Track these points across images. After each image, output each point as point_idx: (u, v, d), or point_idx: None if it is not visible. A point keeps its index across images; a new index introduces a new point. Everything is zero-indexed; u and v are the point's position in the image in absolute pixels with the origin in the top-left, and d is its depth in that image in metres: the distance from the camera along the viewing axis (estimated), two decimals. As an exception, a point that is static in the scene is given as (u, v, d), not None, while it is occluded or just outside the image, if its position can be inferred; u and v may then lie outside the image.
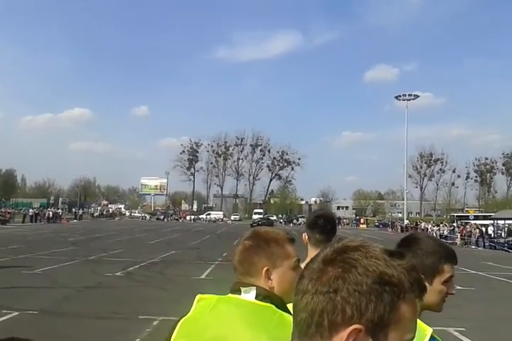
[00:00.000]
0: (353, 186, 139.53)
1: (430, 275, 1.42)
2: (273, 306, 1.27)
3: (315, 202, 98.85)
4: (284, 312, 1.27)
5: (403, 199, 69.61)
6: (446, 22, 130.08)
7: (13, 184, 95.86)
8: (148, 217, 71.62)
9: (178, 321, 1.32)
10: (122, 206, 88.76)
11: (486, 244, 30.17)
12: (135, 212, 77.66)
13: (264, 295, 1.29)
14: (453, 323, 6.88)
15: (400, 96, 62.48)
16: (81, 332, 6.24)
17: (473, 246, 30.35)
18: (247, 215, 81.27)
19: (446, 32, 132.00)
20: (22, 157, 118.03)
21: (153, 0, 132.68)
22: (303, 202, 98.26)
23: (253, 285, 1.31)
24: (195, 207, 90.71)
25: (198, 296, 1.34)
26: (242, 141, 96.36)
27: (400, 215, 73.18)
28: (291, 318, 1.25)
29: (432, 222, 50.65)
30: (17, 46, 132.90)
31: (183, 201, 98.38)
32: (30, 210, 49.33)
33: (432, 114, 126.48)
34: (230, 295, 1.34)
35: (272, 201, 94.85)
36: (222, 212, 77.51)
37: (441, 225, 39.90)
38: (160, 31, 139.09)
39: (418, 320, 1.37)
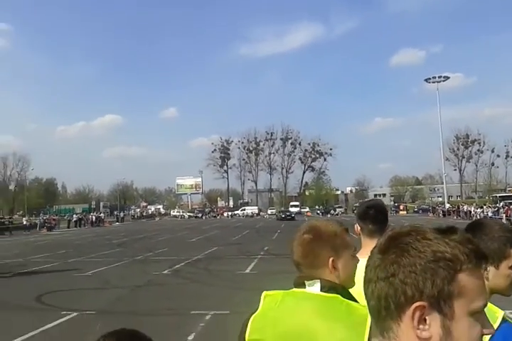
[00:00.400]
0: (389, 173, 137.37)
1: (497, 260, 1.42)
2: (339, 296, 1.31)
3: (351, 191, 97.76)
4: (350, 301, 1.31)
5: (442, 183, 67.83)
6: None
7: (54, 192, 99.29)
8: (186, 215, 72.64)
9: (249, 318, 1.36)
10: (161, 206, 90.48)
11: (534, 223, 29.10)
12: (174, 212, 78.73)
13: (329, 287, 1.34)
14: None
15: (429, 78, 60.77)
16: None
17: (520, 227, 29.35)
18: (283, 208, 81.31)
19: (469, 10, 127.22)
20: (60, 165, 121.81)
21: (170, 1, 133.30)
22: (338, 192, 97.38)
23: (316, 278, 1.35)
24: (231, 203, 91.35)
25: (264, 293, 1.39)
26: (272, 135, 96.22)
27: (440, 199, 71.48)
28: (357, 305, 1.29)
29: (474, 204, 49.21)
30: (45, 57, 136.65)
31: (218, 198, 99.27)
32: (74, 216, 51.01)
33: (463, 94, 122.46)
34: (294, 289, 1.38)
35: (307, 193, 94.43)
36: (257, 207, 77.83)
37: (484, 207, 38.79)
38: (180, 33, 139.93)
39: (489, 303, 1.37)
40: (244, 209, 74.50)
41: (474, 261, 0.72)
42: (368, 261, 0.79)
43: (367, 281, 0.76)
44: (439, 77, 60.66)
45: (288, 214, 54.97)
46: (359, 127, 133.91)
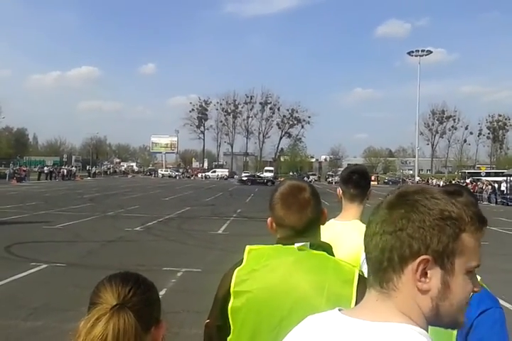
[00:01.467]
0: (364, 143, 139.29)
1: None
2: (325, 253, 1.35)
3: (325, 159, 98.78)
4: (336, 258, 1.35)
5: (414, 157, 69.18)
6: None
7: (25, 142, 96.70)
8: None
9: (232, 271, 1.36)
10: (134, 164, 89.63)
11: (498, 200, 30.26)
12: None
13: (317, 245, 1.37)
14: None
15: (412, 52, 60.58)
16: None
17: (485, 202, 30.46)
18: (257, 173, 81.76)
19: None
20: (33, 116, 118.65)
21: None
22: (313, 160, 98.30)
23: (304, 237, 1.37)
24: (205, 164, 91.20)
25: (247, 247, 1.39)
26: (251, 98, 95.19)
27: (410, 172, 73.15)
28: (344, 262, 1.32)
29: (443, 178, 50.56)
30: (21, 2, 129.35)
31: (193, 159, 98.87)
32: (45, 168, 50.05)
33: (444, 70, 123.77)
34: (280, 245, 1.38)
35: (282, 159, 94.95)
36: (227, 170, 77.81)
37: (453, 182, 39.88)
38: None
39: None
40: (215, 172, 74.49)
41: (477, 223, 0.77)
42: (372, 215, 0.81)
43: (370, 234, 0.79)
44: (422, 50, 60.47)
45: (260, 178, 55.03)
46: (339, 96, 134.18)
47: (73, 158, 77.71)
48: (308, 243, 1.34)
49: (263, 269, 1.33)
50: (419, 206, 0.75)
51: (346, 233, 1.94)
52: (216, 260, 8.07)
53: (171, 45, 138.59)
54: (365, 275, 1.70)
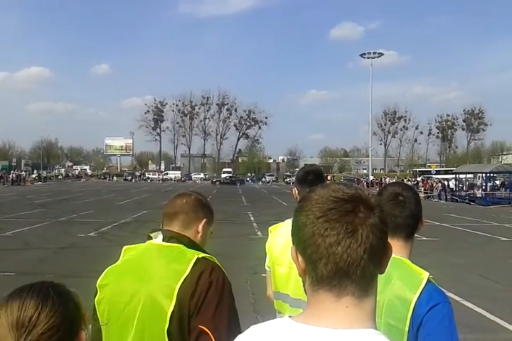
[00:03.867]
0: (320, 144, 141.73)
1: None
2: (179, 245, 1.47)
3: (282, 160, 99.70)
4: (188, 249, 1.47)
5: (368, 156, 71.03)
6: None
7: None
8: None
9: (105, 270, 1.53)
10: (87, 167, 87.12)
11: (448, 197, 31.51)
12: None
13: (169, 237, 1.50)
14: (421, 271, 7.31)
15: (364, 54, 62.24)
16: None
17: (435, 200, 31.66)
18: (215, 174, 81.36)
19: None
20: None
21: None
22: (271, 161, 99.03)
23: (159, 230, 1.54)
24: (162, 167, 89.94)
25: (124, 247, 1.58)
26: (208, 100, 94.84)
27: (365, 171, 74.95)
28: (194, 253, 1.43)
29: (395, 177, 52.21)
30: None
31: (150, 161, 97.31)
32: (-8, 173, 47.76)
33: (396, 72, 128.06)
34: (148, 241, 1.55)
35: (240, 160, 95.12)
36: (180, 172, 76.85)
37: (405, 180, 41.23)
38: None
39: (414, 265, 1.47)
40: (167, 174, 73.40)
41: None
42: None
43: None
44: (374, 53, 62.20)
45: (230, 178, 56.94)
46: (294, 98, 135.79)
47: (23, 162, 74.52)
48: (161, 236, 1.50)
49: (121, 263, 1.52)
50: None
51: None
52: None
53: (125, 46, 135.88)
54: None
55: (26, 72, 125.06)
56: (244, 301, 5.52)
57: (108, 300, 1.44)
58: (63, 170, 74.82)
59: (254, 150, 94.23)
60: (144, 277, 1.40)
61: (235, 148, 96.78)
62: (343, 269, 0.74)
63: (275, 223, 2.30)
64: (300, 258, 0.79)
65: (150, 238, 1.54)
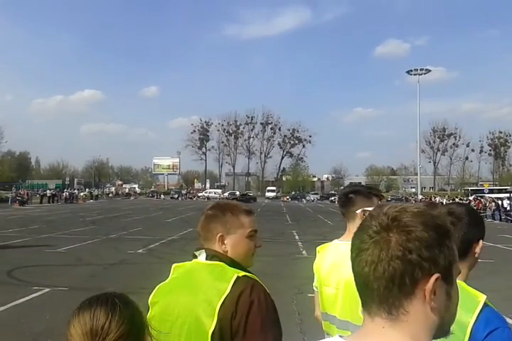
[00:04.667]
0: (366, 162, 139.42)
1: None
2: (221, 263, 1.49)
3: (327, 178, 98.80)
4: (228, 267, 1.48)
5: (416, 175, 69.14)
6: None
7: (27, 166, 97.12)
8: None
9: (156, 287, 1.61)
10: (136, 186, 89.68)
11: (502, 217, 30.06)
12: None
13: (212, 255, 1.52)
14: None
15: (411, 70, 61.39)
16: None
17: (489, 220, 30.24)
18: (259, 193, 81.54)
19: (457, 5, 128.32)
20: (35, 140, 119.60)
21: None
22: (315, 179, 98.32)
23: (203, 249, 1.55)
24: (208, 185, 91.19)
25: (173, 265, 1.64)
26: (252, 119, 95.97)
27: (413, 190, 72.98)
28: (234, 271, 1.45)
29: (446, 196, 50.38)
30: (23, 28, 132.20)
31: (195, 180, 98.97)
32: (48, 191, 50.11)
33: (444, 88, 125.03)
34: (193, 259, 1.59)
35: (284, 178, 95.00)
36: (220, 190, 77.72)
37: (456, 199, 39.70)
38: (167, 11, 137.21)
39: (471, 288, 1.42)
40: (207, 192, 74.52)
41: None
42: (361, 243, 0.78)
43: (370, 263, 0.75)
44: (421, 69, 61.24)
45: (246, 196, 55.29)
46: (339, 116, 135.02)
47: (75, 180, 77.86)
48: (205, 255, 1.52)
49: (169, 281, 1.57)
50: (417, 225, 0.75)
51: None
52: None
53: (172, 68, 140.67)
54: None
55: (80, 95, 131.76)
56: (291, 321, 5.46)
57: (158, 318, 1.47)
58: (113, 188, 77.43)
59: (298, 168, 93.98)
60: (189, 295, 1.43)
61: (279, 167, 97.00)
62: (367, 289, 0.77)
63: (321, 242, 2.29)
64: None
65: (195, 256, 1.57)
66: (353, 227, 2.10)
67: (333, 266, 2.01)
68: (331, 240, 2.21)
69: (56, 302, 6.78)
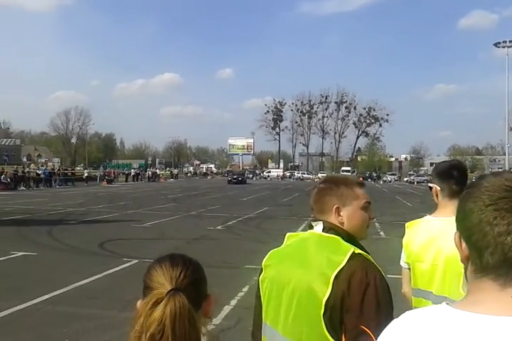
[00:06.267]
0: (448, 141, 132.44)
1: None
2: (337, 237, 1.50)
3: (405, 158, 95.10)
4: (343, 241, 1.49)
5: (504, 154, 64.43)
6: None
7: (112, 147, 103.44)
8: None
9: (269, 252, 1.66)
10: (212, 165, 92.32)
11: None
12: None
13: (329, 228, 1.53)
14: None
15: (499, 43, 56.35)
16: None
17: None
18: (333, 173, 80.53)
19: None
20: (119, 122, 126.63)
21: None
22: (392, 159, 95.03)
23: (320, 221, 1.56)
24: (281, 165, 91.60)
25: (287, 234, 1.68)
26: (326, 98, 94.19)
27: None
28: (350, 247, 1.46)
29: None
30: (106, 15, 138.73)
31: (269, 160, 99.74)
32: (132, 170, 53.22)
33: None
34: (309, 230, 1.61)
35: (359, 158, 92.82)
36: (281, 170, 78.00)
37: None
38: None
39: None
40: (270, 172, 74.91)
41: None
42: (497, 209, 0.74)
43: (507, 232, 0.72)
44: (510, 41, 56.19)
45: (238, 177, 48.56)
46: (419, 93, 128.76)
47: (157, 160, 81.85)
48: (321, 227, 1.54)
49: (285, 249, 1.61)
50: None
51: (449, 229, 1.88)
52: (296, 259, 8.09)
53: (247, 49, 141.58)
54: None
55: (160, 79, 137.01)
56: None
57: (270, 280, 1.55)
58: (191, 168, 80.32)
59: (375, 148, 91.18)
60: (302, 263, 1.47)
61: (354, 147, 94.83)
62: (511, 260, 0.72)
63: (400, 224, 2.26)
64: (464, 245, 0.78)
65: (311, 227, 1.59)
66: (449, 203, 2.01)
67: (428, 241, 1.96)
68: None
69: (144, 273, 7.24)
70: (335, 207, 1.54)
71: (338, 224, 1.54)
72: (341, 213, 1.54)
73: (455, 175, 2.07)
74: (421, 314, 0.80)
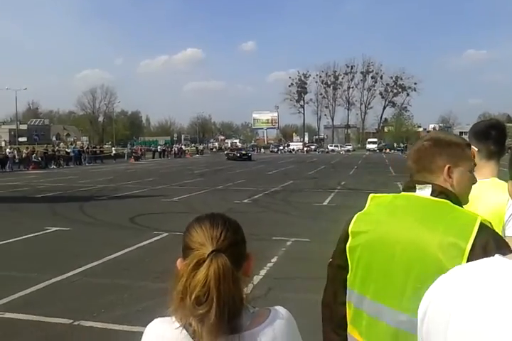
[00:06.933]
0: (478, 109, 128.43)
1: None
2: (449, 202, 1.32)
3: (434, 128, 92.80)
4: (460, 207, 1.32)
5: (539, 121, 62.22)
6: None
7: (138, 124, 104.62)
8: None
9: (353, 216, 1.44)
10: (237, 140, 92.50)
11: None
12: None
13: (439, 191, 1.34)
14: None
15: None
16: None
17: None
18: (359, 145, 79.60)
19: None
20: (144, 99, 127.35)
21: None
22: (420, 129, 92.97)
23: (428, 183, 1.36)
24: (306, 139, 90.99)
25: (370, 195, 1.47)
26: (351, 68, 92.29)
27: (534, 139, 66.11)
28: (467, 211, 1.30)
29: None
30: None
31: (294, 133, 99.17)
32: (158, 147, 53.88)
33: None
34: (403, 193, 1.42)
35: (386, 129, 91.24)
36: (301, 143, 77.38)
37: None
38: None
39: None
40: (289, 145, 74.38)
41: None
42: None
43: None
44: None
45: (243, 153, 43.42)
46: (448, 60, 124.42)
47: (182, 136, 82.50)
48: (430, 190, 1.35)
49: (379, 213, 1.40)
50: None
51: (486, 191, 1.80)
52: (323, 230, 8.11)
53: (269, 21, 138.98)
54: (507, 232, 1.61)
55: (183, 55, 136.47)
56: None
57: (367, 247, 1.37)
58: (216, 143, 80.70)
59: (402, 118, 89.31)
60: (416, 230, 1.27)
61: (381, 118, 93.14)
62: None
63: None
64: None
65: (409, 189, 1.40)
66: (487, 164, 1.95)
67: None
68: None
69: (175, 245, 7.34)
70: (447, 166, 1.36)
71: (449, 187, 1.36)
72: (452, 175, 1.37)
73: (493, 135, 1.97)
74: (472, 266, 0.77)
